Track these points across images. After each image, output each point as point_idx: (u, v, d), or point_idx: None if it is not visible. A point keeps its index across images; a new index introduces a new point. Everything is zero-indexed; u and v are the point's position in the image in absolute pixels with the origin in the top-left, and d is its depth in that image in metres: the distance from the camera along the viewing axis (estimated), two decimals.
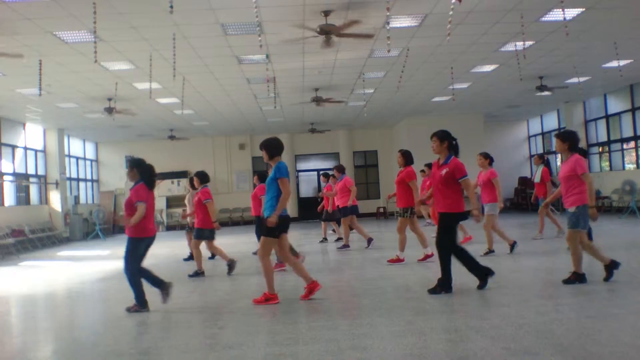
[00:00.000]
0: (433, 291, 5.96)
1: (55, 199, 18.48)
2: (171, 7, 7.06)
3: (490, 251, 8.74)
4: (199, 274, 8.34)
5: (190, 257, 10.22)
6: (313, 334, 4.55)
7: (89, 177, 22.26)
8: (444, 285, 5.98)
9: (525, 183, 22.16)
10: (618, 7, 9.23)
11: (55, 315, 6.65)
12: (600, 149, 19.19)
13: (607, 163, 18.69)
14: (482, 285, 6.03)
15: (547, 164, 10.96)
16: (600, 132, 18.88)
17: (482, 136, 21.10)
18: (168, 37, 9.38)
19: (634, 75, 15.04)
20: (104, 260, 11.71)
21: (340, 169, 11.60)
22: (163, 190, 21.68)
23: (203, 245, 8.66)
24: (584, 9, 9.24)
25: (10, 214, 15.81)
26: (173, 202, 21.86)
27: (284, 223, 5.95)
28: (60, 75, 11.64)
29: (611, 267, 6.14)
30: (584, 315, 4.72)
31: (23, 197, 17.33)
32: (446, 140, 6.07)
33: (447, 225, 6.01)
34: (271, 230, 5.81)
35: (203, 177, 8.81)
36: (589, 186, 5.93)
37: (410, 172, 8.32)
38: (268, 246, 5.92)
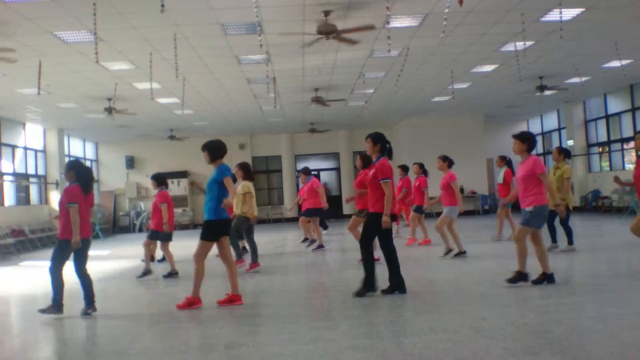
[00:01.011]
0: (358, 294, 5.94)
1: (55, 199, 18.45)
2: (162, 5, 7.05)
3: (449, 251, 8.72)
4: (146, 273, 8.38)
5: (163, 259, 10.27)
6: (313, 334, 4.55)
7: None
8: (367, 285, 5.97)
9: None
10: (618, 7, 9.22)
11: (55, 315, 6.64)
12: (600, 149, 19.19)
13: (607, 163, 18.69)
14: (359, 294, 5.95)
15: (509, 165, 11.00)
16: (600, 132, 18.88)
17: (482, 136, 21.11)
18: (168, 37, 9.38)
19: (634, 75, 15.03)
20: (104, 260, 11.70)
21: (306, 172, 11.51)
22: None
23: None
24: (584, 9, 9.24)
25: (10, 214, 15.81)
26: (173, 202, 21.83)
27: (225, 227, 5.98)
28: (60, 75, 11.63)
29: (521, 277, 6.04)
30: (584, 315, 4.72)
31: (23, 197, 17.33)
32: (379, 143, 6.14)
33: (375, 226, 5.98)
34: (212, 234, 5.83)
35: (160, 180, 8.92)
36: (549, 186, 5.96)
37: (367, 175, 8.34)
38: (205, 249, 5.90)
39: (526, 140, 6.13)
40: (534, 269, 6.23)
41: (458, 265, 8.02)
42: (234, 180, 9.98)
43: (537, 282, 6.10)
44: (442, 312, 5.12)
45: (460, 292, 6.02)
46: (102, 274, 9.45)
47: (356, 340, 4.31)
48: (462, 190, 20.66)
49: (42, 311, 5.85)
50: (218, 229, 5.88)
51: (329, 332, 4.60)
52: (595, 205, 18.45)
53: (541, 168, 5.99)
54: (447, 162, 9.07)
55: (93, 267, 10.48)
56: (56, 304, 5.88)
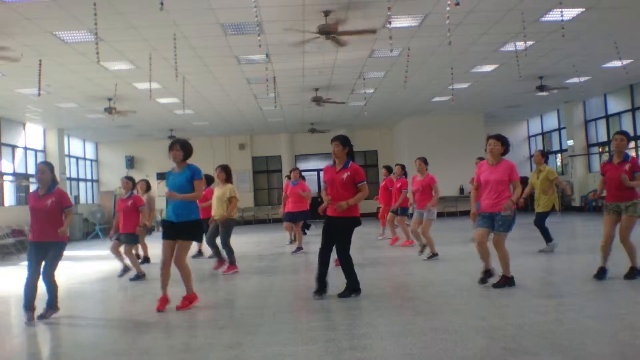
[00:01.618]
0: (343, 295, 5.94)
1: None
2: (161, 3, 7.05)
3: (433, 255, 8.66)
4: (139, 276, 8.35)
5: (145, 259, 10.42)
6: (313, 334, 4.55)
7: (89, 177, 22.26)
8: (352, 288, 5.98)
9: (525, 183, 22.17)
10: (618, 7, 9.23)
11: (55, 315, 6.64)
12: (600, 149, 19.19)
13: None
14: (343, 295, 5.96)
15: None
16: (600, 132, 18.88)
17: (482, 136, 21.06)
18: (168, 37, 9.38)
19: (634, 75, 15.04)
20: (104, 260, 11.70)
21: (299, 173, 11.33)
22: (163, 190, 21.70)
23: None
24: (584, 9, 9.24)
25: (10, 214, 15.80)
26: None
27: (201, 226, 6.08)
28: (60, 75, 11.64)
29: (507, 281, 6.07)
30: (584, 315, 4.71)
31: (23, 197, 17.31)
32: (347, 146, 6.16)
33: (346, 230, 5.98)
34: (196, 234, 5.92)
35: (135, 183, 8.95)
36: (519, 190, 5.99)
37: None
38: (186, 250, 5.93)
39: (505, 143, 6.13)
40: (519, 271, 6.23)
41: (458, 266, 8.02)
42: (212, 181, 10.03)
43: (482, 281, 6.10)
44: (442, 312, 5.12)
45: (460, 292, 6.02)
46: (103, 274, 9.46)
47: (356, 340, 4.31)
48: (461, 190, 20.69)
49: (41, 317, 5.78)
50: (201, 227, 6.04)
51: (329, 332, 4.60)
52: (595, 205, 18.44)
53: (517, 176, 6.04)
54: (427, 164, 9.17)
55: (93, 267, 10.53)
56: (52, 304, 5.84)
